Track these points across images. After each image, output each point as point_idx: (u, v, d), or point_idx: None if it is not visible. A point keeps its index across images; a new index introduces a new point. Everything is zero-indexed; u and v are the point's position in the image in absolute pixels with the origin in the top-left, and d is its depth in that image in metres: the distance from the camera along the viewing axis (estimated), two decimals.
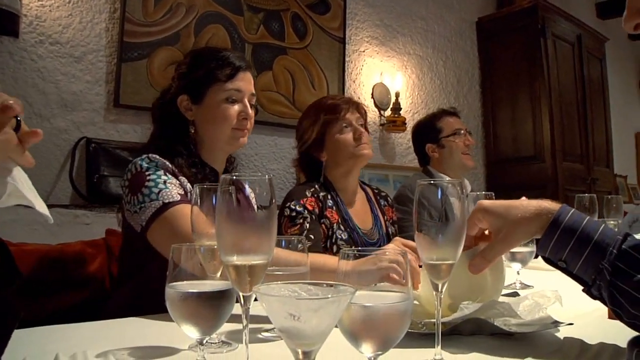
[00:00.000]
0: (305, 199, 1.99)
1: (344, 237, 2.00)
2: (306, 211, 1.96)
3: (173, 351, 0.98)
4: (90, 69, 2.81)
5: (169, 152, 1.54)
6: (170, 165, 1.48)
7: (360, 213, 2.14)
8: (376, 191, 2.31)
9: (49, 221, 0.85)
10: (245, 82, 1.62)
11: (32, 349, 0.98)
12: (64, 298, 1.71)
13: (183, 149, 1.58)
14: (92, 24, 2.82)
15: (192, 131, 1.61)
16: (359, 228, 2.07)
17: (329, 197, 2.06)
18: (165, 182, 1.42)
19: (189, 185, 1.49)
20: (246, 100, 1.61)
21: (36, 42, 2.62)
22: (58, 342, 1.03)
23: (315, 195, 2.03)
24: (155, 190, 1.39)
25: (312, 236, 1.89)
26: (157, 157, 1.48)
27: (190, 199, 1.43)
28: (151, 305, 1.26)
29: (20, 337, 1.08)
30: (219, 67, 1.59)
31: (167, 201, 1.37)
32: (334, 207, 2.04)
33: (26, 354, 0.87)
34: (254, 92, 1.65)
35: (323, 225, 1.99)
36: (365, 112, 2.22)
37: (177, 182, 1.46)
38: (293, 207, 1.97)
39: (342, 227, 2.02)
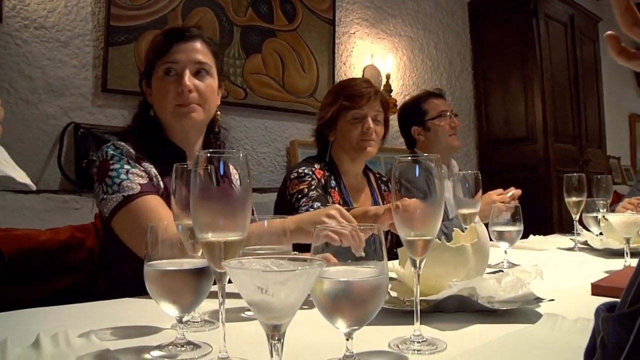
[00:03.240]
0: (314, 168, 2.05)
1: None
2: (314, 175, 2.00)
3: (155, 330, 0.99)
4: (76, 53, 2.78)
5: (139, 137, 1.55)
6: (133, 152, 1.48)
7: (361, 197, 2.18)
8: (378, 176, 2.34)
9: (32, 188, 0.85)
10: (185, 52, 1.52)
11: (14, 330, 0.99)
12: (54, 283, 1.72)
13: (149, 132, 1.57)
14: (77, 8, 2.78)
15: (152, 114, 1.59)
16: None
17: (332, 177, 2.09)
18: (127, 171, 1.42)
19: (153, 170, 1.49)
20: (187, 72, 1.51)
21: (20, 27, 2.59)
22: (41, 323, 1.03)
23: (324, 170, 2.07)
24: (117, 181, 1.40)
25: (319, 203, 1.90)
26: (122, 144, 1.49)
27: (155, 183, 1.47)
28: (135, 287, 1.28)
29: (4, 319, 1.08)
30: (158, 44, 1.55)
31: (127, 194, 1.39)
32: (337, 188, 2.07)
33: (8, 334, 0.87)
34: (200, 59, 1.54)
35: (325, 199, 2.00)
36: (387, 104, 2.23)
37: (141, 169, 1.46)
38: (301, 171, 2.01)
39: None
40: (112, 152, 1.46)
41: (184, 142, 1.60)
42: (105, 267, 1.65)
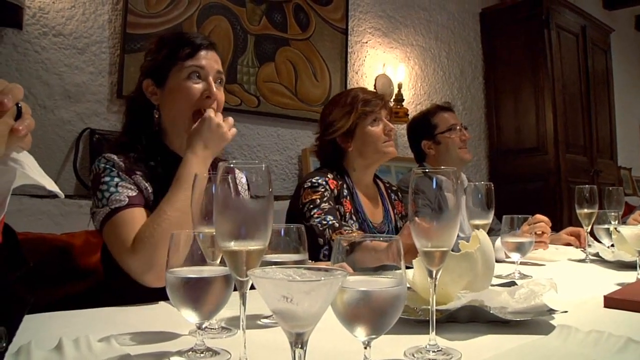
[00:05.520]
0: (327, 178, 2.05)
1: (354, 228, 2.03)
2: (328, 186, 2.01)
3: (173, 336, 1.00)
4: (93, 60, 2.83)
5: (131, 146, 1.54)
6: (122, 165, 1.48)
7: (372, 206, 2.18)
8: (387, 185, 2.35)
9: (61, 196, 0.86)
10: (209, 60, 1.56)
11: (36, 333, 1.01)
12: (69, 287, 1.74)
13: (146, 138, 1.57)
14: (95, 16, 2.83)
15: (157, 116, 1.58)
16: (370, 220, 2.11)
17: (345, 186, 2.10)
18: (117, 184, 1.43)
19: (144, 183, 1.49)
20: (211, 79, 1.55)
21: (40, 34, 2.64)
22: (61, 327, 1.05)
23: (336, 180, 2.08)
24: (107, 194, 1.41)
25: (331, 217, 1.92)
26: (113, 156, 1.49)
27: (146, 195, 1.47)
28: (141, 293, 1.32)
29: (25, 323, 1.10)
30: (180, 47, 1.54)
31: (114, 207, 1.39)
32: (349, 197, 2.08)
33: (31, 338, 0.89)
34: (220, 69, 1.59)
35: (337, 212, 2.01)
36: (392, 111, 2.26)
37: (131, 181, 1.46)
38: (315, 181, 2.02)
39: (354, 217, 2.06)
40: (103, 165, 1.47)
41: (181, 148, 1.58)
42: (108, 277, 1.65)
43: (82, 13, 2.79)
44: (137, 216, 1.39)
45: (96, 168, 1.48)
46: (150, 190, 1.49)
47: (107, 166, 1.47)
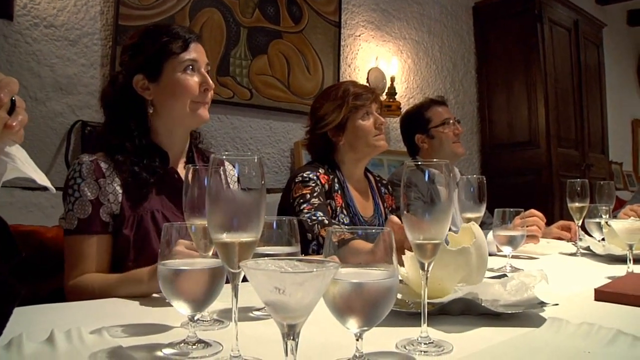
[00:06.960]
0: (318, 173, 2.05)
1: (345, 222, 2.04)
2: (319, 181, 2.01)
3: (165, 328, 1.00)
4: (85, 52, 2.81)
5: (119, 146, 1.52)
6: (92, 167, 1.46)
7: (363, 200, 2.19)
8: (377, 178, 2.36)
9: (52, 190, 0.86)
10: (199, 52, 1.58)
11: (28, 325, 1.00)
12: (59, 280, 1.73)
13: (137, 137, 1.53)
14: (86, 7, 2.81)
15: (151, 111, 1.56)
16: (361, 214, 2.11)
17: (336, 180, 2.10)
18: (75, 201, 1.43)
19: (115, 188, 1.47)
20: (204, 70, 1.57)
21: (31, 25, 2.61)
22: (53, 320, 1.05)
23: (328, 174, 2.08)
24: (66, 208, 1.45)
25: (321, 212, 1.92)
26: (86, 158, 1.48)
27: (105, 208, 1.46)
28: None
29: (16, 315, 1.10)
30: (171, 41, 1.54)
31: (65, 227, 1.45)
32: (340, 191, 2.08)
33: (22, 330, 0.89)
34: (208, 62, 1.62)
35: (329, 207, 2.02)
36: (382, 104, 2.26)
37: (90, 197, 1.44)
38: (306, 175, 2.02)
39: (345, 211, 2.06)
40: (72, 170, 1.47)
41: (174, 145, 1.60)
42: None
43: (74, 4, 2.76)
44: (82, 247, 1.43)
45: (69, 173, 1.49)
46: (119, 199, 1.47)
47: (76, 169, 1.46)
